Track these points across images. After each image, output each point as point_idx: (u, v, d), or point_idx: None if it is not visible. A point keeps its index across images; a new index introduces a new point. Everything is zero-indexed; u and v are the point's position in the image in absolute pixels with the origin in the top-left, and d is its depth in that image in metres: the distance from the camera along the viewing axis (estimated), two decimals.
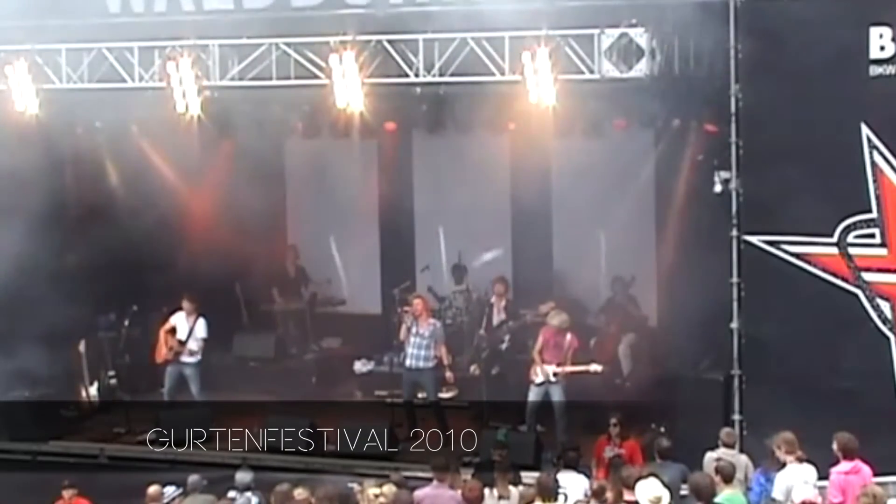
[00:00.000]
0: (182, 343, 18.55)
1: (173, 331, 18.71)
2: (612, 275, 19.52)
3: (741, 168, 15.22)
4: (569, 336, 17.01)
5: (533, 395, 17.04)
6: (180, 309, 18.76)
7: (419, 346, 17.61)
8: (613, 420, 15.27)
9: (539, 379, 16.92)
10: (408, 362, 17.67)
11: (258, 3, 16.57)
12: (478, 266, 20.59)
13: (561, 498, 13.55)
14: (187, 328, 18.60)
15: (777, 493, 12.88)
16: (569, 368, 16.86)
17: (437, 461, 13.46)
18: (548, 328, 17.17)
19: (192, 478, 14.52)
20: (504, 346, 18.83)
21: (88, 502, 15.38)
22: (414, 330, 17.58)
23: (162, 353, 18.73)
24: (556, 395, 16.86)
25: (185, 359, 18.59)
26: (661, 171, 18.48)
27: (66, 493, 15.23)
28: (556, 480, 13.09)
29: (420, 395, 18.75)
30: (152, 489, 13.86)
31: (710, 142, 16.20)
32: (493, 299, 19.22)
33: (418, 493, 13.01)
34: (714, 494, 12.21)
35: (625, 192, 19.16)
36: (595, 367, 16.97)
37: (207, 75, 16.43)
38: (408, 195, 21.22)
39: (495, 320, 19.04)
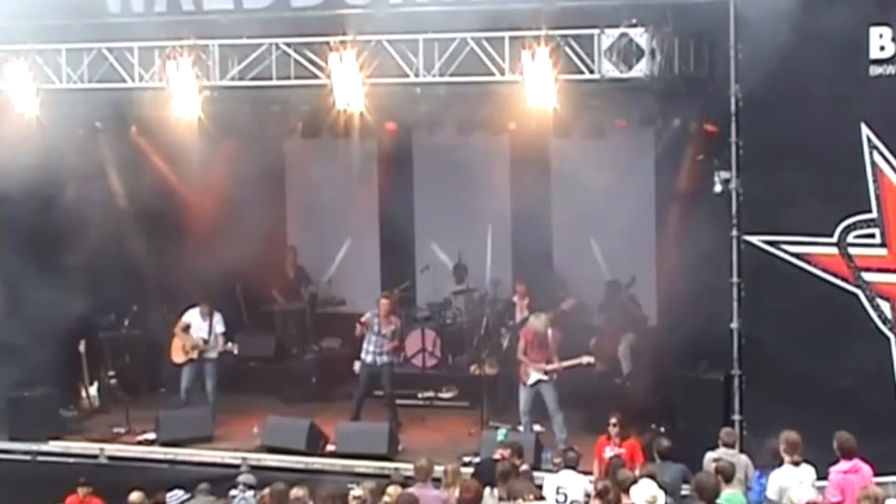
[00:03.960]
0: (206, 342, 18.62)
1: (187, 328, 18.76)
2: (609, 277, 19.51)
3: (741, 168, 15.23)
4: (550, 332, 17.00)
5: (524, 396, 17.01)
6: (192, 306, 18.82)
7: (380, 344, 17.90)
8: (613, 420, 15.26)
9: (531, 380, 16.91)
10: (368, 358, 17.97)
11: (258, 3, 16.56)
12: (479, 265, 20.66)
13: (560, 497, 13.60)
14: (206, 326, 18.67)
15: (771, 492, 12.89)
16: (563, 364, 16.85)
17: (420, 463, 13.49)
18: (528, 329, 17.16)
19: (202, 485, 14.61)
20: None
21: (101, 502, 15.42)
22: (376, 329, 17.84)
23: (181, 353, 18.75)
24: (548, 394, 16.84)
25: (209, 355, 18.69)
26: (661, 171, 18.48)
27: (81, 491, 15.33)
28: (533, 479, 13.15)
29: (424, 395, 18.91)
30: (134, 496, 13.83)
31: (710, 142, 16.20)
32: (516, 299, 19.19)
33: None
34: (717, 494, 12.23)
35: (625, 192, 19.16)
36: (587, 359, 16.96)
37: (207, 75, 16.41)
38: (408, 195, 21.22)
39: (518, 318, 19.01)
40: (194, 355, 18.64)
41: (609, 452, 15.07)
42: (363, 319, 18.05)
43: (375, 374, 18.00)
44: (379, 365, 17.93)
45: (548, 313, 17.30)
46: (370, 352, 17.94)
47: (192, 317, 18.77)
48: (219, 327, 18.71)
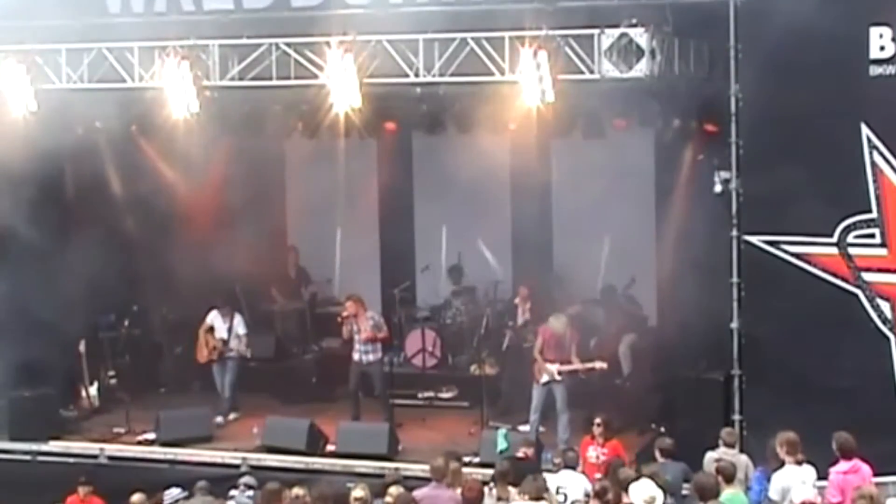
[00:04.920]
0: (225, 342, 18.86)
1: (211, 329, 18.94)
2: (604, 283, 19.50)
3: (741, 168, 15.23)
4: (568, 332, 17.02)
5: (537, 395, 17.06)
6: (214, 307, 19.01)
7: (364, 342, 17.89)
8: (598, 420, 15.30)
9: (544, 378, 16.95)
10: (356, 357, 18.01)
11: (258, 3, 16.57)
12: (479, 266, 20.70)
13: (560, 497, 13.60)
14: (225, 327, 18.89)
15: (773, 492, 12.89)
16: (575, 366, 16.87)
17: (436, 463, 13.48)
18: (546, 328, 17.18)
19: (200, 483, 14.59)
20: (527, 345, 18.71)
21: (102, 501, 15.41)
22: (356, 328, 17.88)
23: (204, 353, 19.01)
24: (559, 395, 16.88)
25: (229, 354, 18.94)
26: (661, 171, 18.48)
27: (82, 491, 15.32)
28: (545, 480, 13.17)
29: (424, 395, 18.89)
30: (136, 498, 13.82)
31: (710, 142, 16.21)
32: (518, 301, 19.18)
33: (417, 494, 13.02)
34: (718, 494, 12.22)
35: (625, 192, 19.16)
36: (600, 364, 16.98)
37: (207, 75, 16.40)
38: (408, 195, 21.23)
39: (520, 321, 18.99)
40: (215, 356, 18.88)
41: (592, 453, 15.10)
42: (344, 314, 18.11)
43: (365, 372, 18.02)
44: (365, 363, 17.96)
45: (564, 315, 17.30)
46: (357, 350, 18.00)
47: (214, 318, 18.98)
48: (240, 329, 18.96)
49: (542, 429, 17.14)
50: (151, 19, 16.76)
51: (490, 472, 14.18)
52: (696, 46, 15.70)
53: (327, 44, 15.70)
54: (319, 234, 21.62)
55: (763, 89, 15.02)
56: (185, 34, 16.27)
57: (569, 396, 16.95)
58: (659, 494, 12.34)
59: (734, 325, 15.38)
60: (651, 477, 12.69)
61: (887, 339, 14.99)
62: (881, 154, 14.81)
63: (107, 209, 19.32)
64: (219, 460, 17.33)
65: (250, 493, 14.56)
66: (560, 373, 16.85)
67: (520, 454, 14.83)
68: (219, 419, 18.68)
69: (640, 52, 14.81)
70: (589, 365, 16.94)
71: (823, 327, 14.99)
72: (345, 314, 18.11)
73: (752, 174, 15.18)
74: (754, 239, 15.26)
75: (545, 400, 17.01)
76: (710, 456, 13.67)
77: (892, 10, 14.71)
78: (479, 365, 18.98)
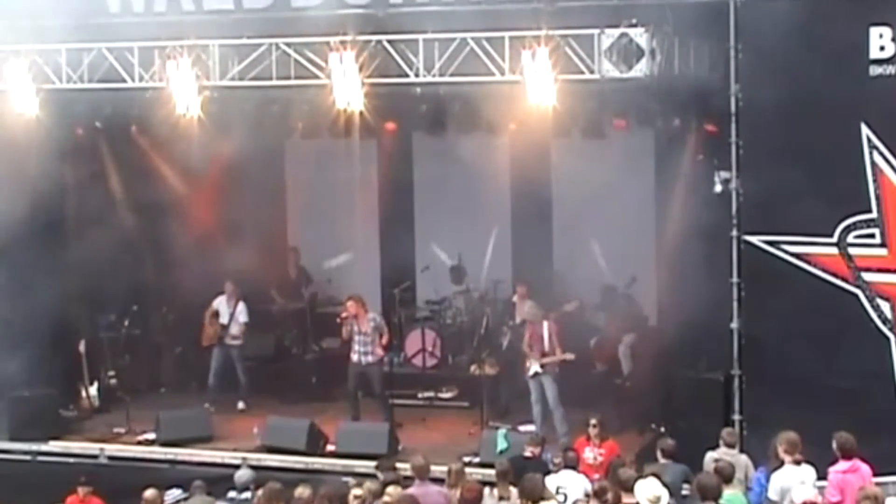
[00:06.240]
0: (224, 327, 19.14)
1: (216, 314, 19.22)
2: (607, 281, 19.50)
3: (741, 168, 15.24)
4: (546, 324, 17.06)
5: (532, 389, 17.15)
6: (222, 293, 19.25)
7: (364, 343, 17.92)
8: (593, 421, 15.32)
9: (530, 372, 17.01)
10: (354, 358, 18.00)
11: (258, 3, 16.59)
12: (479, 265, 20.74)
13: (560, 497, 13.59)
14: (228, 312, 19.20)
15: (772, 493, 12.86)
16: (550, 358, 16.95)
17: (420, 463, 13.49)
18: (531, 322, 17.21)
19: (196, 482, 14.59)
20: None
21: (101, 501, 15.42)
22: (356, 329, 17.88)
23: (208, 337, 19.34)
24: (548, 386, 16.97)
25: (230, 342, 19.22)
26: (661, 171, 18.47)
27: (81, 491, 15.33)
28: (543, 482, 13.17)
29: (424, 395, 18.99)
30: (149, 493, 13.83)
31: (710, 142, 16.21)
32: (516, 299, 19.20)
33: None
34: (720, 494, 12.20)
35: (625, 192, 19.17)
36: (568, 356, 16.98)
37: (207, 75, 16.40)
38: (408, 195, 21.24)
39: (518, 320, 19.01)
40: (215, 340, 19.21)
41: (589, 454, 15.11)
42: (344, 315, 18.11)
43: (364, 373, 18.00)
44: (364, 364, 17.92)
45: (540, 307, 17.33)
46: (356, 351, 17.97)
47: (220, 303, 19.29)
48: (241, 317, 19.26)
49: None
50: (151, 19, 16.78)
51: (490, 472, 14.20)
52: (696, 46, 15.70)
53: (327, 44, 15.71)
54: (319, 233, 21.62)
55: (763, 89, 15.02)
56: (185, 34, 16.27)
57: (568, 396, 16.96)
58: (664, 493, 12.32)
59: (734, 325, 15.40)
60: (655, 476, 12.67)
61: (887, 339, 15.00)
62: (881, 154, 14.82)
63: (107, 209, 19.31)
64: (218, 460, 17.33)
65: (247, 494, 14.56)
66: (542, 366, 16.89)
67: (527, 454, 14.82)
68: (240, 405, 19.15)
69: (640, 52, 14.81)
70: (560, 357, 16.95)
71: (823, 327, 15.00)
72: (345, 314, 18.11)
73: (752, 174, 15.19)
74: (754, 239, 15.27)
75: (540, 391, 17.04)
76: (710, 456, 13.67)
77: (892, 10, 14.71)
78: (479, 365, 18.98)
